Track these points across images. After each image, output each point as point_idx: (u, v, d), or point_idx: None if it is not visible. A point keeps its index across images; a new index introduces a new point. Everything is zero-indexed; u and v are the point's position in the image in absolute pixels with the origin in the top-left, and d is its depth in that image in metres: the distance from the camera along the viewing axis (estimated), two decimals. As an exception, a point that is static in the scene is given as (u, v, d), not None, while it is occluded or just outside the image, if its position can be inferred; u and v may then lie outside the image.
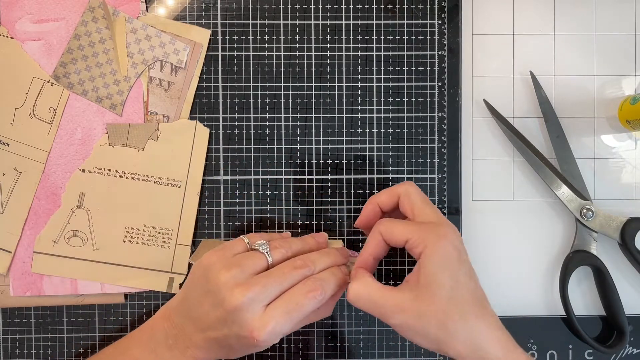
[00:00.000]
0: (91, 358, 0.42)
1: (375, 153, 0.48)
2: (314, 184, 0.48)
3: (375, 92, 0.48)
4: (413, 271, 0.37)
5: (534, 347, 0.49)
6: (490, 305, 0.37)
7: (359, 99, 0.48)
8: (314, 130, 0.48)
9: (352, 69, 0.48)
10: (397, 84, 0.48)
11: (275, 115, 0.48)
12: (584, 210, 0.47)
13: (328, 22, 0.48)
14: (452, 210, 0.48)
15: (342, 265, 0.41)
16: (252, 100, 0.48)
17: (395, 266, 0.48)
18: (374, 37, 0.48)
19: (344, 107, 0.48)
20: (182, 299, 0.40)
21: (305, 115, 0.48)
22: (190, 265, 0.47)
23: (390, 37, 0.48)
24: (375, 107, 0.48)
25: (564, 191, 0.47)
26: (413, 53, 0.48)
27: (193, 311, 0.39)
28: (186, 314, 0.39)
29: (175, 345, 0.39)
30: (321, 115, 0.48)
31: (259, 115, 0.48)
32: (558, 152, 0.48)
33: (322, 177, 0.48)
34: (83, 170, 0.47)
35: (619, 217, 0.47)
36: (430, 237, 0.36)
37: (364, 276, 0.38)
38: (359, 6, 0.48)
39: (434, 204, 0.48)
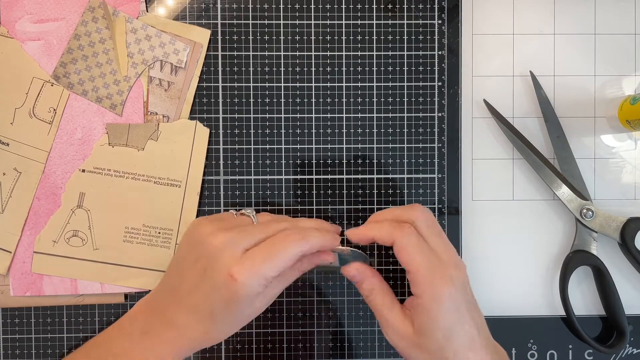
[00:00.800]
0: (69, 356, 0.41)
1: (375, 153, 0.48)
2: (314, 184, 0.48)
3: (375, 92, 0.48)
4: (413, 301, 0.38)
5: (534, 347, 0.49)
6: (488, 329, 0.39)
7: (359, 99, 0.48)
8: (314, 130, 0.48)
9: (352, 69, 0.48)
10: (397, 84, 0.48)
11: (275, 115, 0.48)
12: (584, 210, 0.47)
13: (328, 22, 0.48)
14: (452, 210, 0.48)
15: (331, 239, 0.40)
16: (252, 100, 0.48)
17: (395, 266, 0.48)
18: (374, 37, 0.48)
19: (344, 107, 0.48)
20: (164, 276, 0.40)
21: (305, 115, 0.48)
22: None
23: (390, 37, 0.48)
24: (375, 107, 0.48)
25: (564, 191, 0.47)
26: (413, 53, 0.48)
27: (173, 278, 0.38)
28: (165, 288, 0.39)
29: (151, 329, 0.38)
30: (321, 115, 0.48)
31: (259, 115, 0.48)
32: (558, 152, 0.48)
33: (322, 177, 0.48)
34: (83, 170, 0.47)
35: (619, 217, 0.47)
36: (435, 281, 0.36)
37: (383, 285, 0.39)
38: (359, 6, 0.48)
39: (434, 204, 0.48)
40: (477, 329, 0.37)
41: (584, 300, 0.49)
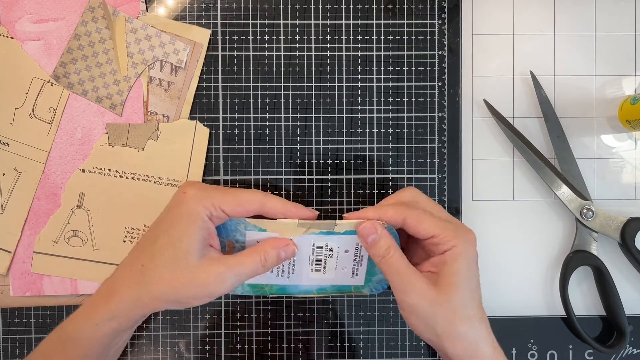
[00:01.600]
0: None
1: (375, 153, 0.48)
2: (314, 184, 0.48)
3: (375, 92, 0.48)
4: (430, 263, 0.38)
5: (534, 347, 0.49)
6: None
7: (359, 99, 0.48)
8: (314, 130, 0.48)
9: (352, 69, 0.48)
10: (397, 84, 0.48)
11: (275, 115, 0.48)
12: (584, 211, 0.47)
13: (328, 22, 0.48)
14: (452, 210, 0.48)
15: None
16: (252, 100, 0.48)
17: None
18: (374, 37, 0.48)
19: (344, 107, 0.48)
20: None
21: (305, 115, 0.48)
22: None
23: (390, 37, 0.48)
24: (375, 107, 0.48)
25: (564, 191, 0.47)
26: (413, 53, 0.48)
27: (142, 239, 0.39)
28: (131, 256, 0.39)
29: (97, 304, 0.38)
30: (321, 115, 0.48)
31: (259, 115, 0.48)
32: (558, 152, 0.48)
33: (322, 177, 0.48)
34: (83, 170, 0.47)
35: (619, 217, 0.47)
36: (459, 239, 0.37)
37: (397, 248, 0.38)
38: (359, 6, 0.48)
39: (434, 204, 0.48)
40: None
41: (584, 300, 0.49)
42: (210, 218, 0.38)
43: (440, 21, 0.48)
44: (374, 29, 0.48)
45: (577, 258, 0.47)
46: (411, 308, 0.37)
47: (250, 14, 0.48)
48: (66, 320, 0.39)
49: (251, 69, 0.48)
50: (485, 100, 0.48)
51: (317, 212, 0.40)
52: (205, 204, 0.37)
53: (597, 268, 0.47)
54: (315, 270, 0.43)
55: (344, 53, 0.48)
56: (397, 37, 0.48)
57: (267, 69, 0.48)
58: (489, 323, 0.37)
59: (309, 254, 0.42)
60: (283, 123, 0.48)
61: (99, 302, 0.38)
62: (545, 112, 0.48)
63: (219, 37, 0.48)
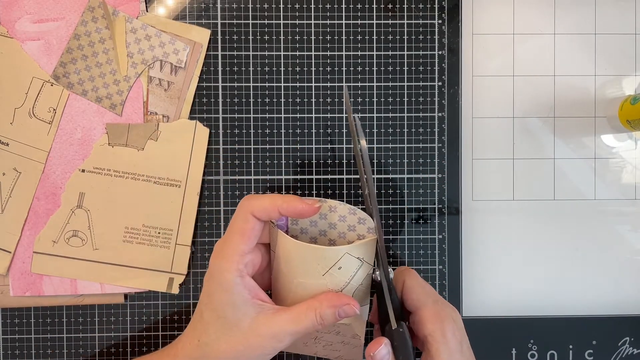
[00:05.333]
0: None
1: (375, 153, 0.48)
2: (314, 184, 0.48)
3: (375, 92, 0.48)
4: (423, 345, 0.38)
5: (534, 347, 0.49)
6: None
7: (359, 99, 0.48)
8: (314, 130, 0.48)
9: (352, 69, 0.48)
10: (397, 84, 0.48)
11: (275, 115, 0.48)
12: None
13: (328, 22, 0.48)
14: (452, 210, 0.48)
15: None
16: (252, 100, 0.48)
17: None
18: (374, 37, 0.48)
19: (344, 107, 0.48)
20: None
21: (305, 115, 0.48)
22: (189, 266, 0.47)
23: (390, 37, 0.48)
24: (375, 107, 0.48)
25: None
26: (413, 53, 0.48)
27: None
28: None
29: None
30: (321, 115, 0.48)
31: (259, 115, 0.48)
32: None
33: (322, 177, 0.48)
34: (83, 170, 0.47)
35: None
36: (442, 318, 0.37)
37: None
38: (359, 6, 0.48)
39: (434, 204, 0.48)
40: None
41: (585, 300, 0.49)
42: (245, 267, 0.36)
43: (440, 21, 0.48)
44: (374, 29, 0.48)
45: None
46: None
47: (250, 14, 0.48)
48: None
49: (251, 69, 0.48)
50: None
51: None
52: (230, 264, 0.35)
53: None
54: None
55: (344, 53, 0.48)
56: (397, 37, 0.48)
57: (267, 69, 0.48)
58: None
59: None
60: (283, 123, 0.48)
61: None
62: None
63: (219, 37, 0.47)
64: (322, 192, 0.48)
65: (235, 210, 0.37)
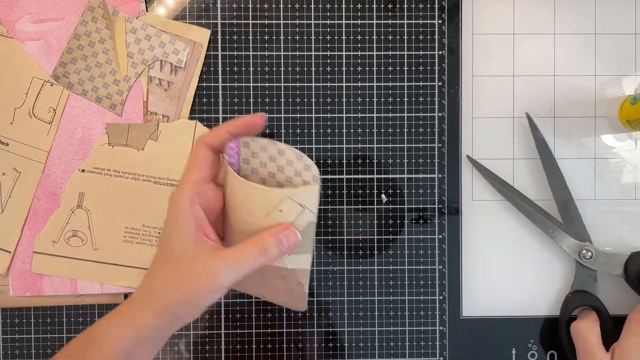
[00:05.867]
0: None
1: (375, 153, 0.48)
2: (314, 184, 0.48)
3: (375, 92, 0.48)
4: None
5: (534, 347, 0.49)
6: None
7: (359, 99, 0.48)
8: (314, 130, 0.48)
9: (352, 69, 0.48)
10: (397, 84, 0.48)
11: (275, 115, 0.48)
12: (583, 252, 0.46)
13: (328, 22, 0.48)
14: (452, 210, 0.48)
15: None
16: (252, 100, 0.48)
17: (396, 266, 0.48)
18: (374, 37, 0.48)
19: (344, 107, 0.48)
20: None
21: (305, 115, 0.48)
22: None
23: (390, 37, 0.48)
24: (375, 107, 0.48)
25: (558, 234, 0.46)
26: (413, 53, 0.48)
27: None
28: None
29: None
30: (321, 115, 0.48)
31: (259, 115, 0.48)
32: (557, 195, 0.47)
33: (322, 177, 0.48)
34: (83, 170, 0.47)
35: (619, 255, 0.46)
36: None
37: None
38: (359, 6, 0.48)
39: (434, 204, 0.48)
40: None
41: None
42: (197, 196, 0.36)
43: (440, 21, 0.48)
44: (374, 29, 0.48)
45: (576, 299, 0.47)
46: None
47: (250, 14, 0.48)
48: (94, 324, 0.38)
49: (251, 69, 0.48)
50: (468, 156, 0.48)
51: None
52: (182, 190, 0.36)
53: (597, 309, 0.46)
54: None
55: (344, 53, 0.48)
56: (397, 37, 0.48)
57: (267, 69, 0.48)
58: None
59: None
60: (283, 123, 0.48)
61: (123, 310, 0.37)
62: (543, 154, 0.47)
63: (219, 37, 0.47)
64: (322, 192, 0.48)
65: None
